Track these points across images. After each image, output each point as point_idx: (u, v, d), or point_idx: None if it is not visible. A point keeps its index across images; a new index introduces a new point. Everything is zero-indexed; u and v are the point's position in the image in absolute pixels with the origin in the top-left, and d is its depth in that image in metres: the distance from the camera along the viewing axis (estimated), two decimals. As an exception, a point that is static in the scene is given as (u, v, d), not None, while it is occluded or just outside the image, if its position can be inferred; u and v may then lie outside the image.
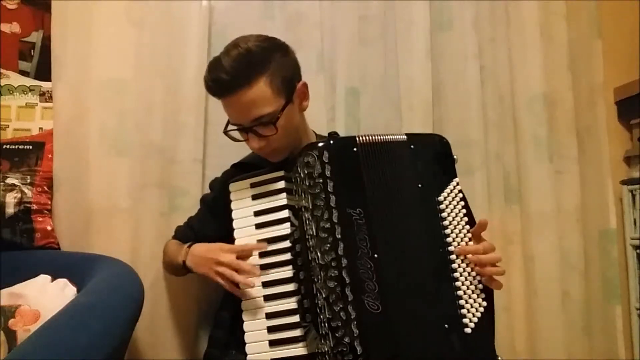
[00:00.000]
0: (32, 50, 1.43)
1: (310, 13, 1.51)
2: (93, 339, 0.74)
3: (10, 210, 1.26)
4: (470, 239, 0.96)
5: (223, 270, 0.97)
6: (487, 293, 0.95)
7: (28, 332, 0.96)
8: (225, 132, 1.04)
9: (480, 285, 0.94)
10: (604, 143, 1.65)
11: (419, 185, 0.97)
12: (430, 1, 1.57)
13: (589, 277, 1.60)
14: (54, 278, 1.08)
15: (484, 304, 0.94)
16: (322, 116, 1.47)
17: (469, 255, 0.94)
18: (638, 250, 1.66)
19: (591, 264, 1.62)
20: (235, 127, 1.02)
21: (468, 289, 0.93)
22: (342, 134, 1.43)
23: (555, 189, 1.58)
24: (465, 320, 0.91)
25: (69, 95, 1.35)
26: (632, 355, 1.62)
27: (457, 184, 0.99)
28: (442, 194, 0.97)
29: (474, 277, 0.94)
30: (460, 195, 0.99)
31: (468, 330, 0.91)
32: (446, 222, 0.96)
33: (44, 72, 1.41)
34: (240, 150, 1.24)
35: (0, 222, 1.25)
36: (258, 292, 0.95)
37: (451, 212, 0.97)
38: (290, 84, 1.02)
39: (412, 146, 0.99)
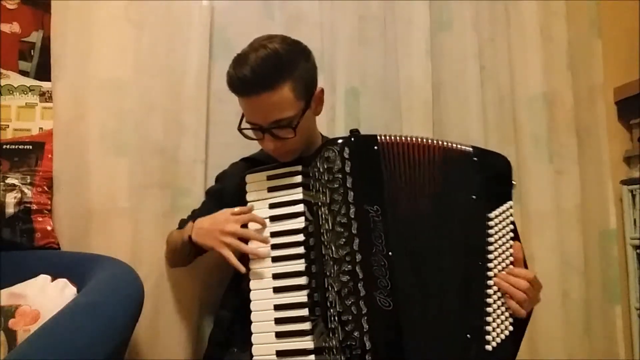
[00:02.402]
0: (32, 50, 1.43)
1: (310, 13, 1.51)
2: (93, 339, 0.74)
3: (10, 210, 1.26)
4: (511, 263, 0.97)
5: (230, 241, 0.96)
6: (520, 322, 0.95)
7: (28, 332, 0.96)
8: (240, 129, 1.04)
9: (510, 310, 0.95)
10: (604, 143, 1.66)
11: (473, 197, 0.97)
12: (430, 1, 1.57)
13: (589, 277, 1.60)
14: (54, 278, 1.07)
15: (511, 328, 0.94)
16: (322, 116, 1.43)
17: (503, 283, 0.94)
18: (638, 250, 1.66)
19: (591, 264, 1.62)
20: (250, 126, 1.03)
21: (499, 308, 0.93)
22: (342, 134, 1.44)
23: (555, 189, 1.58)
24: (489, 338, 0.91)
25: (69, 95, 1.34)
26: (632, 355, 1.62)
27: (511, 207, 0.99)
28: (494, 212, 0.97)
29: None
30: (511, 219, 0.99)
31: (489, 347, 0.91)
32: (491, 240, 0.95)
33: (44, 72, 1.41)
34: (242, 151, 1.25)
35: (1, 222, 1.25)
36: (268, 283, 0.95)
37: (499, 231, 0.97)
38: (310, 90, 1.03)
39: (475, 159, 0.99)
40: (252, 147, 1.24)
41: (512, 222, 0.99)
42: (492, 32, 1.62)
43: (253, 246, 0.96)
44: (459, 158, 0.99)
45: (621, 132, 1.77)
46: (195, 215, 1.23)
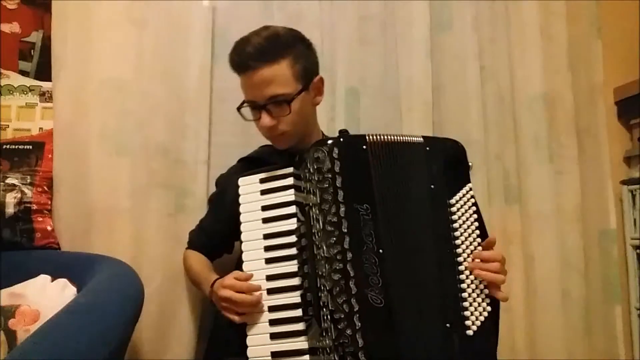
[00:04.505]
0: (32, 50, 1.43)
1: (310, 13, 1.51)
2: (93, 339, 0.74)
3: (10, 210, 1.26)
4: (479, 244, 0.98)
5: (227, 306, 0.95)
6: (494, 300, 0.96)
7: (28, 332, 0.96)
8: (239, 109, 1.08)
9: (486, 290, 0.95)
10: (604, 143, 1.66)
11: (432, 186, 0.98)
12: (430, 1, 1.57)
13: (589, 277, 1.60)
14: (54, 278, 1.07)
15: (489, 309, 0.95)
16: (322, 116, 1.46)
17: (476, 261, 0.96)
18: (638, 250, 1.67)
19: (591, 264, 1.62)
20: (248, 104, 1.06)
21: (473, 292, 0.94)
22: (342, 134, 1.44)
23: (555, 189, 1.58)
24: (468, 323, 0.92)
25: (69, 95, 1.34)
26: (632, 355, 1.62)
27: (470, 189, 1.01)
28: (454, 197, 0.98)
29: (480, 281, 0.95)
30: (473, 200, 1.00)
31: (470, 332, 0.92)
32: (456, 225, 0.97)
33: (44, 72, 1.41)
34: (244, 151, 1.25)
35: (0, 222, 1.25)
36: (262, 285, 0.95)
37: (462, 215, 0.98)
38: (309, 74, 1.07)
39: (427, 148, 1.01)
40: (254, 147, 1.25)
41: (474, 200, 1.01)
42: (492, 32, 1.63)
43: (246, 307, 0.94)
44: (414, 150, 1.00)
45: (621, 132, 1.77)
46: (202, 223, 1.24)
